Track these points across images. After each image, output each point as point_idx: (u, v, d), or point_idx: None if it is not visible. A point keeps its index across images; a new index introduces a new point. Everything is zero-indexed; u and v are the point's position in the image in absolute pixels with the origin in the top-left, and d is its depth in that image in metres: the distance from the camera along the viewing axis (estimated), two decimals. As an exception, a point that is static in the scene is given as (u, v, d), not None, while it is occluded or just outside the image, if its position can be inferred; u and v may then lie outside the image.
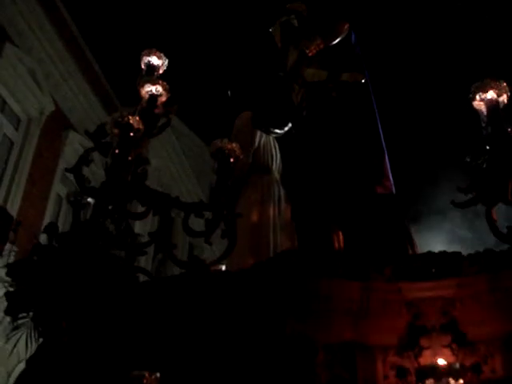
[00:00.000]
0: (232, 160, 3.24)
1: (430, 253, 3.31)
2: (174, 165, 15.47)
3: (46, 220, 11.29)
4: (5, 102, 11.59)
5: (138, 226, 8.19)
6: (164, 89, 3.42)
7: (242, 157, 3.35)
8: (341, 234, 3.84)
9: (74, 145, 12.44)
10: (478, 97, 3.62)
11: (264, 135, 4.69)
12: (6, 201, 11.18)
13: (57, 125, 12.50)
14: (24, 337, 2.87)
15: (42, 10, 11.70)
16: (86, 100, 13.17)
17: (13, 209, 11.19)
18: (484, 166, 3.37)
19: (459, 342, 3.01)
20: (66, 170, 3.31)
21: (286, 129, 4.56)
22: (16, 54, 11.39)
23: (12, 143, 11.72)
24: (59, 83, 12.64)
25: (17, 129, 11.85)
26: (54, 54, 12.26)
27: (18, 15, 11.33)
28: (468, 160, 3.42)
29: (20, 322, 2.82)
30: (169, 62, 3.70)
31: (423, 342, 3.04)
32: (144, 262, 11.93)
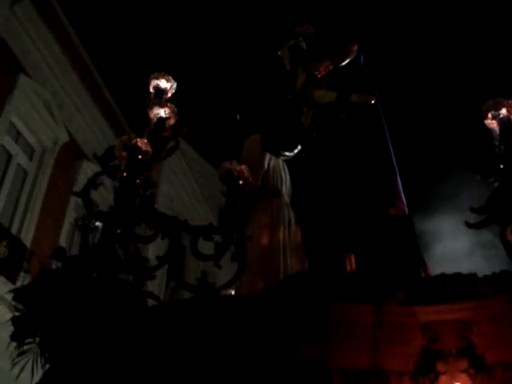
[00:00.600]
0: (241, 182, 3.21)
1: (444, 274, 3.24)
2: (185, 192, 15.50)
3: (60, 249, 11.26)
4: (19, 133, 11.73)
5: (151, 251, 8.15)
6: (172, 112, 3.40)
7: (251, 179, 3.31)
8: (353, 256, 3.78)
9: (88, 174, 12.49)
10: (490, 115, 3.59)
11: (273, 158, 4.66)
12: (20, 230, 11.23)
13: (70, 155, 12.61)
14: (30, 363, 2.82)
15: (56, 42, 11.87)
16: (99, 130, 13.28)
17: (27, 238, 11.24)
18: (496, 184, 3.31)
19: (476, 367, 2.92)
20: (75, 193, 3.28)
21: (296, 151, 4.54)
22: (30, 86, 11.55)
23: (26, 173, 11.81)
24: (73, 114, 12.77)
25: (31, 159, 11.95)
26: (67, 85, 12.40)
27: (32, 47, 11.51)
28: (479, 178, 3.37)
29: (26, 347, 2.77)
30: (179, 90, 3.70)
31: (439, 366, 2.95)
32: (157, 289, 11.88)
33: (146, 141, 3.15)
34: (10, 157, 11.46)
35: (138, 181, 3.07)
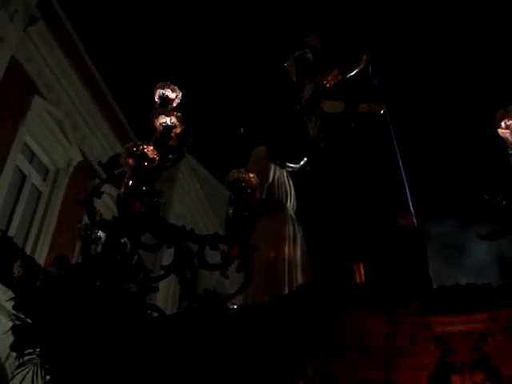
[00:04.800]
0: (249, 191, 3.13)
1: (458, 285, 3.14)
2: (198, 212, 15.45)
3: (73, 269, 11.25)
4: (33, 154, 11.80)
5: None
6: (179, 120, 3.33)
7: (258, 187, 3.24)
8: (362, 267, 3.69)
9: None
10: (503, 124, 3.50)
11: (278, 171, 4.60)
12: (34, 250, 11.24)
13: (84, 175, 12.63)
14: (30, 374, 2.73)
15: (70, 64, 11.99)
16: (112, 150, 13.30)
17: (41, 258, 11.23)
18: (504, 202, 3.24)
19: (493, 380, 2.80)
20: (77, 202, 3.23)
21: (302, 163, 4.47)
22: (44, 107, 11.64)
23: (40, 193, 11.86)
24: (86, 134, 12.84)
25: (45, 179, 12.01)
26: (81, 105, 12.49)
27: (46, 69, 11.62)
28: (487, 197, 3.29)
29: (26, 358, 2.69)
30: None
31: (454, 379, 2.85)
32: (171, 305, 11.79)
33: (152, 148, 3.10)
34: (24, 177, 11.53)
35: (144, 188, 3.00)
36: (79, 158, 12.49)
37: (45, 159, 12.00)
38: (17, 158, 11.09)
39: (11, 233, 10.62)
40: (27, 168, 11.55)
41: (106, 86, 13.30)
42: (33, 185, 11.68)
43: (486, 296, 3.03)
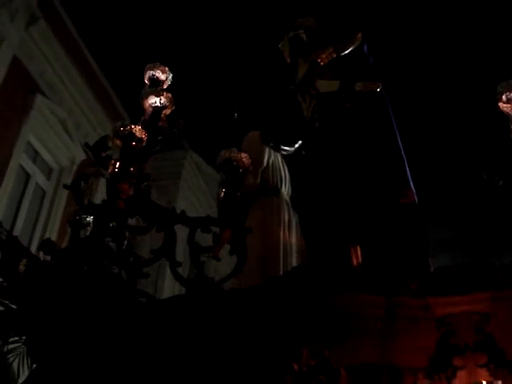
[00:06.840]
0: (241, 171, 3.04)
1: (460, 264, 3.05)
2: (202, 208, 15.33)
3: (78, 268, 11.21)
4: (37, 153, 11.76)
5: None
6: (168, 101, 3.24)
7: (251, 168, 3.15)
8: (359, 248, 3.60)
9: (105, 192, 12.45)
10: (504, 97, 3.40)
11: (272, 156, 4.50)
12: (39, 249, 11.18)
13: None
14: (16, 363, 2.64)
15: (72, 62, 11.93)
16: (115, 148, 13.26)
17: (46, 258, 11.18)
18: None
19: (496, 362, 2.70)
20: (65, 186, 3.15)
21: (296, 146, 4.39)
22: (47, 106, 11.59)
23: (44, 192, 11.82)
24: (89, 132, 12.78)
25: (49, 178, 11.96)
26: (83, 104, 12.44)
27: (48, 68, 11.58)
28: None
29: (12, 346, 2.61)
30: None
31: (457, 362, 2.76)
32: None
33: (140, 127, 3.01)
34: (28, 176, 11.49)
35: (131, 169, 2.92)
36: (83, 157, 12.44)
37: (48, 158, 11.95)
38: (20, 158, 11.05)
39: (16, 232, 10.58)
40: (31, 167, 11.50)
41: (109, 85, 13.26)
42: (37, 184, 11.64)
43: (489, 275, 2.93)
